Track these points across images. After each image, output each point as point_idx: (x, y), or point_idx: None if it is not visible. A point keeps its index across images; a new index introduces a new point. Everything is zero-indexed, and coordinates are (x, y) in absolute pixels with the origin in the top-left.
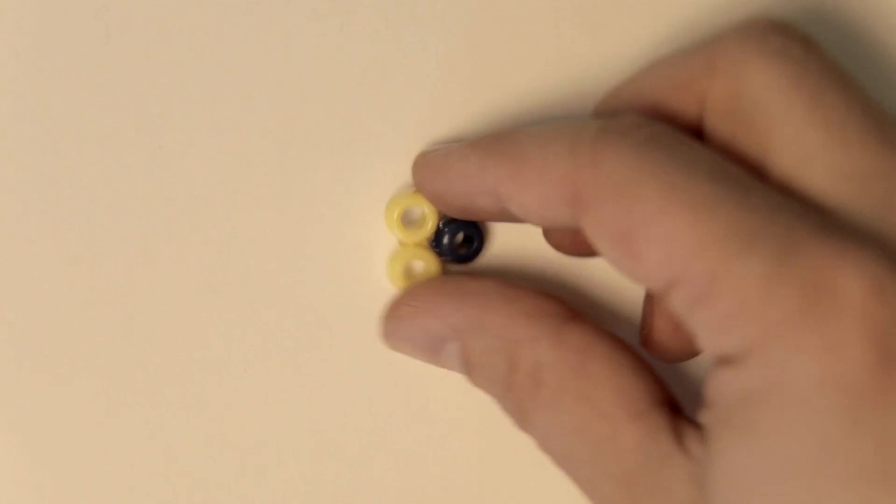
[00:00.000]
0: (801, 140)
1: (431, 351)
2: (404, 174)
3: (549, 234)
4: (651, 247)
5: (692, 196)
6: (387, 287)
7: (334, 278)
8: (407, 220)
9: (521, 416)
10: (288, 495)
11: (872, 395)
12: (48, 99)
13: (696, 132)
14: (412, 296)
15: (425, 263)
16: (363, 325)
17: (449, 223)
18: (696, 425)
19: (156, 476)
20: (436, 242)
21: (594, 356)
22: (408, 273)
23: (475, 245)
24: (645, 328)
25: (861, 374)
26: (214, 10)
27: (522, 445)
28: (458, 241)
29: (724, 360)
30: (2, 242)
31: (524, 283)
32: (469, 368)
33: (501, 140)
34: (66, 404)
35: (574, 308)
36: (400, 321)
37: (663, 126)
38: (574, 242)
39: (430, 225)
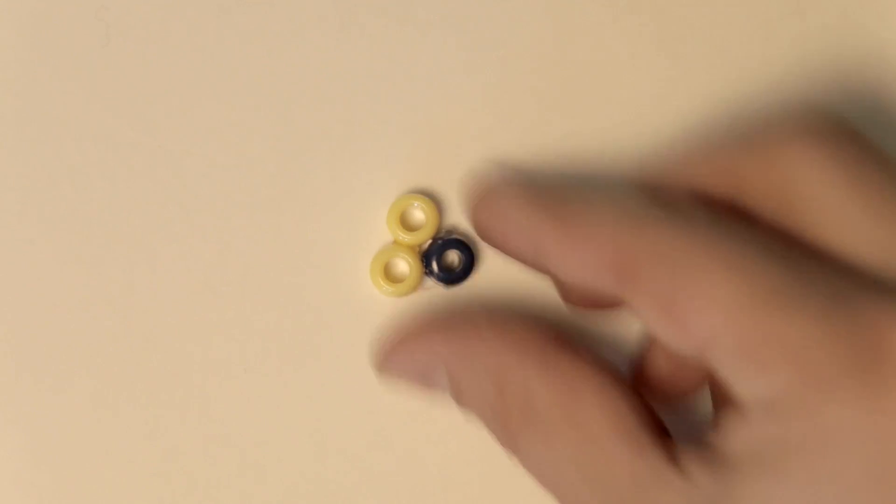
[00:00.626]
0: (844, 218)
1: (423, 381)
2: (405, 175)
3: (561, 288)
4: (695, 309)
5: (740, 260)
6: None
7: (335, 279)
8: (407, 222)
9: (510, 441)
10: (288, 495)
11: None
12: (48, 99)
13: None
14: (402, 329)
15: (408, 266)
16: (363, 325)
17: (443, 241)
18: (698, 449)
19: (156, 476)
20: (425, 259)
21: (583, 381)
22: (387, 272)
23: (459, 271)
24: (638, 369)
25: None
26: (217, 11)
27: None
28: (447, 262)
29: (761, 404)
30: (2, 242)
31: (512, 313)
32: (458, 396)
33: (555, 199)
34: (67, 404)
35: (562, 333)
36: (390, 354)
37: (713, 208)
38: (585, 297)
39: (425, 232)
